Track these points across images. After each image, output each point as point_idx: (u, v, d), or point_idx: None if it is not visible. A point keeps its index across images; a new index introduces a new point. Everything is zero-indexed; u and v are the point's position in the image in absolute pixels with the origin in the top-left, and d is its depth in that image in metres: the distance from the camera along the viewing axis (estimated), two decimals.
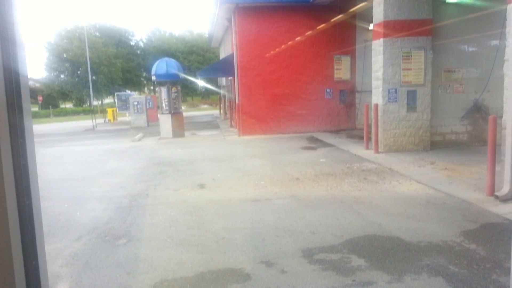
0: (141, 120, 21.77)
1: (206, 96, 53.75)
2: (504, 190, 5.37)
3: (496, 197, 5.42)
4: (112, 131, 20.12)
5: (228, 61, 14.83)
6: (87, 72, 29.31)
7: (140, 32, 71.91)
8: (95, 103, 37.64)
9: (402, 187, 6.37)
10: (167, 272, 3.70)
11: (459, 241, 4.16)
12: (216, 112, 31.60)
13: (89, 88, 29.76)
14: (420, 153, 8.99)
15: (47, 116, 38.23)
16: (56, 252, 4.27)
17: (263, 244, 4.29)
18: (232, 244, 4.34)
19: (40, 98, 40.68)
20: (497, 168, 5.59)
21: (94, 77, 36.78)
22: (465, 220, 4.81)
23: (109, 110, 27.59)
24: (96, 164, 9.99)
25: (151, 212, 5.60)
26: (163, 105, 15.02)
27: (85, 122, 25.11)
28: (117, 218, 5.39)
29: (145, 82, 51.98)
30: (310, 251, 4.05)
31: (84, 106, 44.72)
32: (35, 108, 41.26)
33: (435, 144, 9.51)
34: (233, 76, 14.49)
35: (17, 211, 0.77)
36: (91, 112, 26.39)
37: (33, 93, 41.12)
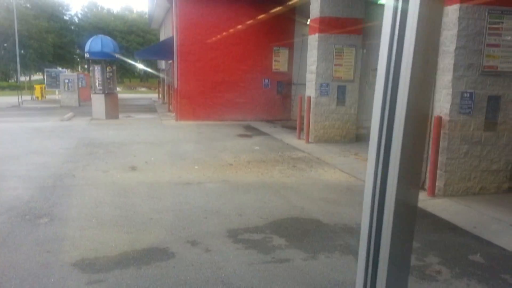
0: (72, 99, 20.66)
1: (145, 79, 52.02)
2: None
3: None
4: (40, 109, 18.86)
5: (168, 44, 14.53)
6: (15, 45, 27.20)
7: (76, 7, 67.38)
8: (22, 78, 34.87)
9: (326, 175, 6.80)
10: (89, 251, 3.68)
11: None
12: (154, 96, 30.74)
13: (16, 62, 27.69)
14: (346, 144, 9.57)
15: None
16: None
17: (191, 225, 4.40)
18: (159, 224, 4.40)
19: None
20: None
21: (22, 51, 34.01)
22: None
23: (37, 87, 25.79)
24: (21, 142, 9.38)
25: (77, 193, 5.45)
26: (97, 84, 14.41)
27: (10, 98, 23.18)
28: (39, 198, 5.18)
29: (78, 60, 49.03)
30: (235, 231, 4.24)
31: (10, 81, 41.27)
32: None
33: (360, 136, 10.17)
34: (173, 59, 14.25)
35: None
36: (17, 88, 24.57)
37: None
